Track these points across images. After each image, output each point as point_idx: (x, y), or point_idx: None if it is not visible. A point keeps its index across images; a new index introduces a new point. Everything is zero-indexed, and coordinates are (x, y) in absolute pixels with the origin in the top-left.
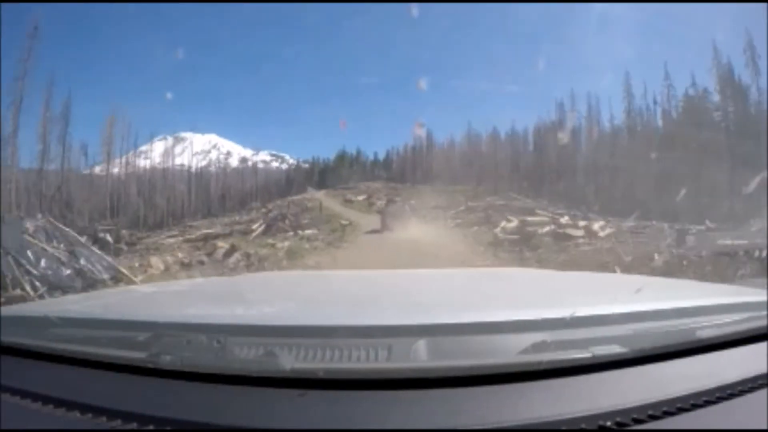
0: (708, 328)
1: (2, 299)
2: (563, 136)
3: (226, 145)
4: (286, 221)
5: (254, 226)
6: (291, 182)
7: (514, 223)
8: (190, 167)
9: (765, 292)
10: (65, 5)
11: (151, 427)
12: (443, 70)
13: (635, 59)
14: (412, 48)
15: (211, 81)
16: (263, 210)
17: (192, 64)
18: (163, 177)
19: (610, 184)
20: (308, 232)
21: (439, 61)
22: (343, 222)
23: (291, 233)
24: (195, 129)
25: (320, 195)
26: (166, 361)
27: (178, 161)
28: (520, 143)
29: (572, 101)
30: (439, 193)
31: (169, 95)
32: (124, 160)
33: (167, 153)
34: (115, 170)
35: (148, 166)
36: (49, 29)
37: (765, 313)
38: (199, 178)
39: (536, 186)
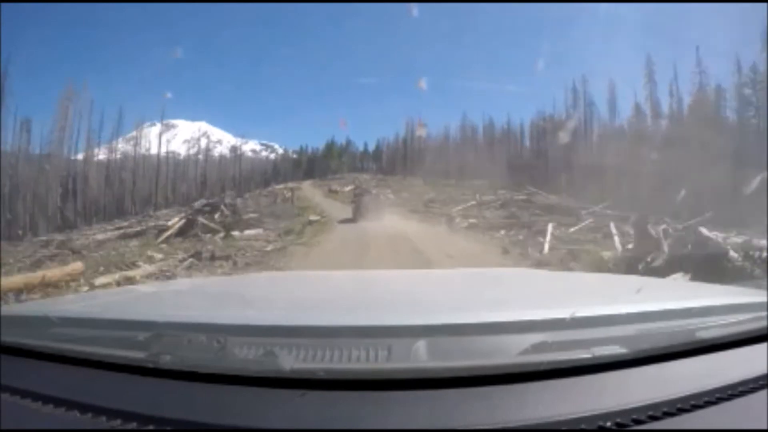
0: (708, 328)
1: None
2: (564, 135)
3: (216, 133)
4: (217, 215)
5: (170, 222)
6: (278, 172)
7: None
8: (173, 154)
9: (765, 292)
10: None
11: (151, 427)
12: (438, 65)
13: (654, 49)
14: (405, 42)
15: (206, 70)
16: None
17: (187, 55)
18: (134, 163)
19: (639, 180)
20: (250, 232)
21: (434, 55)
22: (314, 217)
23: (221, 234)
24: (166, 116)
25: (306, 185)
26: (166, 361)
27: (167, 148)
28: (518, 136)
29: (574, 92)
30: (433, 186)
31: (168, 94)
32: (98, 145)
33: (144, 138)
34: (99, 156)
35: (129, 153)
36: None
37: (765, 313)
38: (177, 166)
39: (542, 181)
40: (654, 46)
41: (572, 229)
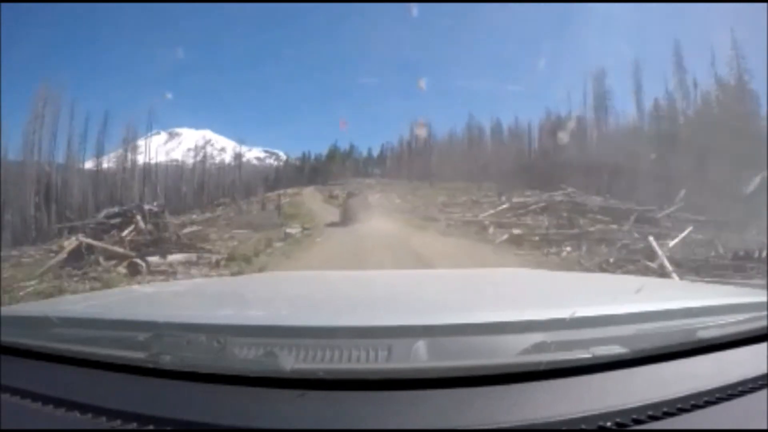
0: (708, 328)
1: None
2: (588, 130)
3: (220, 141)
4: (127, 232)
5: (66, 243)
6: (279, 178)
7: None
8: (176, 162)
9: (765, 292)
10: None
11: (151, 427)
12: (441, 66)
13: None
14: (408, 43)
15: (206, 77)
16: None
17: (188, 61)
18: (124, 171)
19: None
20: (176, 257)
21: (437, 57)
22: (292, 230)
23: (134, 260)
24: (171, 124)
25: (307, 191)
26: (166, 361)
27: (155, 156)
28: (529, 133)
29: (595, 84)
30: (441, 189)
31: (168, 95)
32: (83, 151)
33: (137, 146)
34: (87, 164)
35: (120, 160)
36: (42, 23)
37: (765, 313)
38: (169, 174)
39: (570, 181)
40: (683, 34)
41: (672, 243)
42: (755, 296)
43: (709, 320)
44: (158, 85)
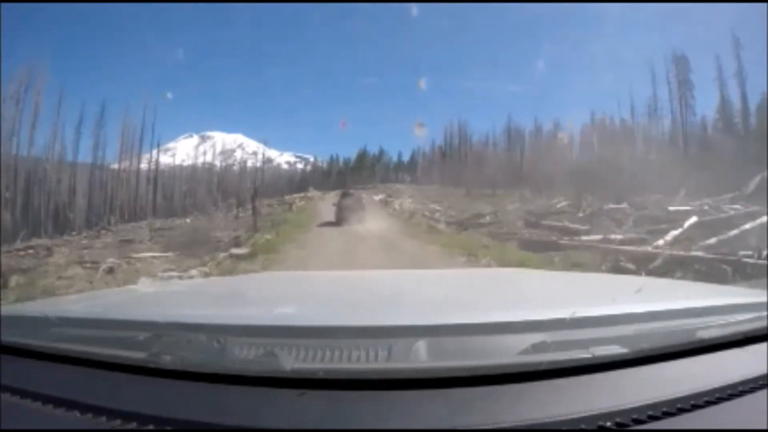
0: (708, 328)
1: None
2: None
3: (251, 145)
4: None
5: None
6: (306, 182)
7: None
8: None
9: (765, 292)
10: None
11: (151, 427)
12: (480, 69)
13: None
14: (442, 46)
15: (235, 81)
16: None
17: (209, 66)
18: (125, 172)
19: None
20: None
21: (473, 60)
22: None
23: None
24: (204, 128)
25: (331, 195)
26: (166, 361)
27: (163, 159)
28: (568, 140)
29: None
30: (478, 197)
31: (169, 95)
32: (76, 148)
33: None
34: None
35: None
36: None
37: (765, 313)
38: (174, 177)
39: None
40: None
41: None
42: (755, 296)
43: (710, 320)
44: (171, 88)
